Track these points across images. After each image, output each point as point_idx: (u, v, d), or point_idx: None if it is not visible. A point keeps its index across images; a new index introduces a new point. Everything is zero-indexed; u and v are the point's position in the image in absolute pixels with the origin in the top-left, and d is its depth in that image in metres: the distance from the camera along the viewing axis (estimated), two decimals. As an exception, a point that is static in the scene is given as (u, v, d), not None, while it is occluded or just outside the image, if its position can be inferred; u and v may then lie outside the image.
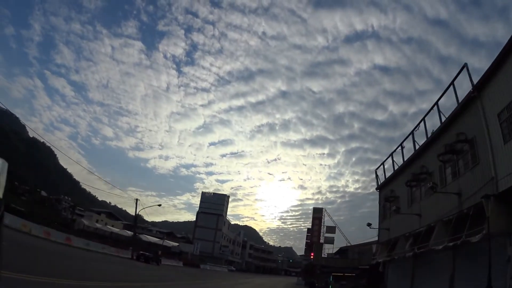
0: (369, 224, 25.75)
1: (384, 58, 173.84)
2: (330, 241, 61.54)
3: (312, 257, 51.91)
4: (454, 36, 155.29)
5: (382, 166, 27.92)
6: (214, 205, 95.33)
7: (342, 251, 48.04)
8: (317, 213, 70.59)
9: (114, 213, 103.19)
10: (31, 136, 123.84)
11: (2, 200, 1.13)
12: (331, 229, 64.94)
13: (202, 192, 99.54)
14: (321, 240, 63.36)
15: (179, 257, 62.12)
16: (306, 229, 76.24)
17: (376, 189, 28.28)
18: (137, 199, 38.91)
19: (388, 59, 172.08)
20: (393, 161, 25.36)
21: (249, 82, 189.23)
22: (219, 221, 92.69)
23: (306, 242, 72.48)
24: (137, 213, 39.71)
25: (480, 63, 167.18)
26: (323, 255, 57.78)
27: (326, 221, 68.26)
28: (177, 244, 71.49)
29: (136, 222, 45.22)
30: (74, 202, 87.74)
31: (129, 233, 56.06)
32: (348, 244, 56.68)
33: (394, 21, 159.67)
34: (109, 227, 70.55)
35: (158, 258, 40.30)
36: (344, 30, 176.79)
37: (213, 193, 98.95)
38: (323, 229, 65.67)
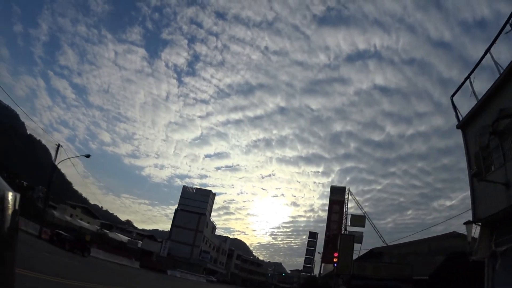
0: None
1: (385, 78, 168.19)
2: (357, 239, 38.55)
3: (335, 260, 31.33)
4: (457, 58, 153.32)
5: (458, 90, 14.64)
6: (196, 202, 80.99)
7: (374, 254, 30.63)
8: (337, 194, 48.02)
9: (92, 210, 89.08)
10: (29, 133, 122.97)
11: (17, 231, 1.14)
12: (359, 220, 43.62)
13: (184, 186, 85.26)
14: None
15: (139, 257, 47.39)
16: (296, 246, 60.16)
17: (458, 126, 14.70)
18: (59, 144, 26.04)
19: (389, 79, 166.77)
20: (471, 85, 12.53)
21: (248, 96, 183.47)
22: (200, 221, 78.07)
23: (325, 236, 48.79)
24: (57, 162, 26.42)
25: (481, 86, 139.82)
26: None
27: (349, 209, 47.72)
28: (139, 241, 56.59)
29: (52, 175, 31.34)
30: (48, 193, 73.85)
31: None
32: (384, 245, 38.71)
33: (397, 42, 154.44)
34: (79, 220, 56.85)
35: (86, 246, 26.25)
36: (347, 48, 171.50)
37: (196, 188, 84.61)
38: (345, 220, 45.23)
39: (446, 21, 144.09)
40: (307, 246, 77.29)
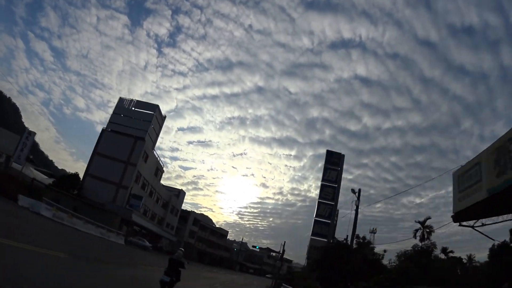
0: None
1: (367, 69, 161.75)
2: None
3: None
4: (440, 59, 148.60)
5: None
6: (136, 122, 49.15)
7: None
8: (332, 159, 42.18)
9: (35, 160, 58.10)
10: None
11: None
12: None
13: (120, 98, 52.54)
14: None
15: None
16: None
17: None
18: None
19: (371, 71, 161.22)
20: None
21: (227, 72, 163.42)
22: (135, 149, 46.35)
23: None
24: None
25: (463, 91, 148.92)
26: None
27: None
28: None
29: None
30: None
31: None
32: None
33: (383, 35, 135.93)
34: None
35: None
36: (331, 35, 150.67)
37: (137, 101, 52.22)
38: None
39: (434, 22, 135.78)
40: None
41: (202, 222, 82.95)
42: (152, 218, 55.41)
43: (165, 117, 56.82)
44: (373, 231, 70.77)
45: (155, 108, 51.73)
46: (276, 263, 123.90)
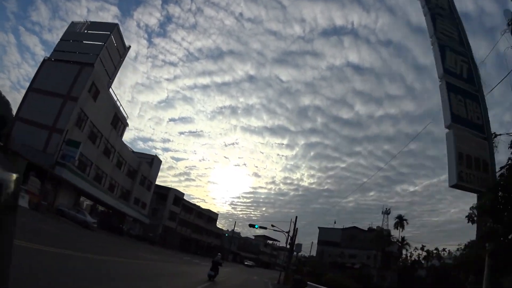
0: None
1: (359, 57, 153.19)
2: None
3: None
4: None
5: None
6: (87, 47, 33.78)
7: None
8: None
9: None
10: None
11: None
12: None
13: (72, 22, 36.95)
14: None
15: None
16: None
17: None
18: None
19: (363, 58, 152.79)
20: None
21: (217, 61, 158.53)
22: (80, 78, 30.62)
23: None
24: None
25: None
26: None
27: None
28: None
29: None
30: None
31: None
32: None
33: (376, 22, 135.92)
34: None
35: None
36: (323, 23, 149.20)
37: (92, 22, 36.40)
38: None
39: None
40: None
41: (185, 202, 67.75)
42: (111, 188, 39.99)
43: (129, 47, 40.95)
44: (386, 212, 57.75)
45: (113, 27, 35.89)
46: (274, 252, 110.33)
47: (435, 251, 49.99)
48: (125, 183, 44.66)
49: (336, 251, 53.39)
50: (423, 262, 49.99)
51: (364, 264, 52.27)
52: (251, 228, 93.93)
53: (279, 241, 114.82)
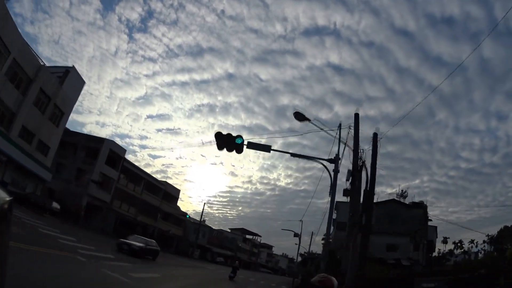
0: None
1: (340, 57, 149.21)
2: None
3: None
4: (417, 49, 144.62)
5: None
6: None
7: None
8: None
9: None
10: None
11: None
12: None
13: None
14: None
15: None
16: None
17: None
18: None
19: (344, 59, 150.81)
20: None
21: (197, 58, 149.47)
22: None
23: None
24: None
25: (439, 82, 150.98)
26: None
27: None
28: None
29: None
30: None
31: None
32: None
33: (359, 23, 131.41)
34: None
35: None
36: (305, 22, 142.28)
37: None
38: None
39: (412, 11, 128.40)
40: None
41: (129, 164, 44.78)
42: None
43: None
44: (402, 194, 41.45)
45: None
46: (255, 249, 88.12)
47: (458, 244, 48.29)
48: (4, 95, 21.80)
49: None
50: (450, 257, 43.23)
51: (412, 260, 31.93)
52: (226, 228, 71.89)
53: (260, 236, 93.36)
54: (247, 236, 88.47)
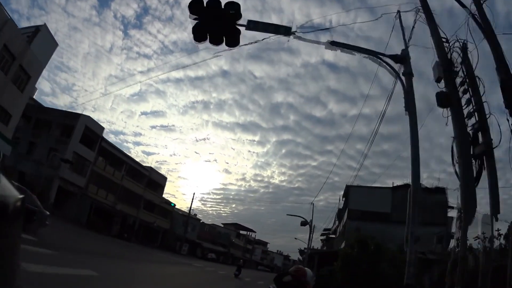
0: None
1: (335, 55, 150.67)
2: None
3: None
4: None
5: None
6: None
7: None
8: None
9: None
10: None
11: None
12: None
13: None
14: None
15: None
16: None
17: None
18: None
19: (339, 57, 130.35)
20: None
21: (192, 55, 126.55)
22: None
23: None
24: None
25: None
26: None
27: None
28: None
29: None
30: None
31: None
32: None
33: (355, 20, 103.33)
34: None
35: None
36: (300, 19, 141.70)
37: None
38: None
39: (411, 8, 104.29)
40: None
41: (107, 144, 39.40)
42: None
43: None
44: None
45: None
46: (249, 246, 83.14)
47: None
48: None
49: (384, 229, 27.86)
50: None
51: (435, 253, 27.04)
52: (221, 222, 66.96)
53: (255, 232, 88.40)
54: (241, 232, 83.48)
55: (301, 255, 59.00)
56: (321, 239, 59.79)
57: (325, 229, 54.58)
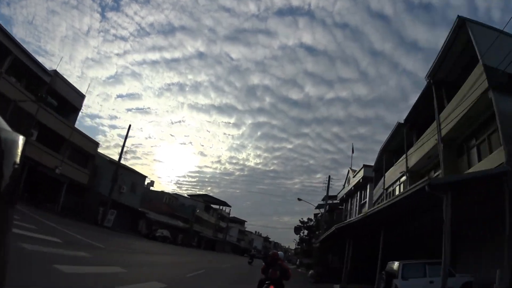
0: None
1: (313, 38, 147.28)
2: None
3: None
4: (393, 33, 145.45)
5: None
6: None
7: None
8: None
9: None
10: None
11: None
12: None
13: None
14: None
15: None
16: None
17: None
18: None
19: (317, 40, 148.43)
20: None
21: (168, 37, 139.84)
22: None
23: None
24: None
25: (414, 67, 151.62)
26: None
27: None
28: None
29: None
30: None
31: None
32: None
33: (334, 4, 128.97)
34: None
35: None
36: (279, 2, 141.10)
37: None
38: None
39: None
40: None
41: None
42: None
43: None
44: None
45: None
46: (222, 224, 62.88)
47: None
48: None
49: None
50: None
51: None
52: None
53: (229, 207, 69.20)
54: (214, 206, 64.10)
55: (296, 233, 42.01)
56: (314, 214, 44.09)
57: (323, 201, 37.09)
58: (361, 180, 29.40)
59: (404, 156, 17.84)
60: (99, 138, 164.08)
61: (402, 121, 18.87)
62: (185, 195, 60.32)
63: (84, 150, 29.73)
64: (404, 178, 17.95)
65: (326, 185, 32.39)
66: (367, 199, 28.70)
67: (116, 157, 35.20)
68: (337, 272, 17.67)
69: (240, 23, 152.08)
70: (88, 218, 27.98)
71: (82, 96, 30.05)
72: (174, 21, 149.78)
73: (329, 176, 27.29)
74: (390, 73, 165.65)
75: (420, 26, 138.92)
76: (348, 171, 35.31)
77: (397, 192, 18.29)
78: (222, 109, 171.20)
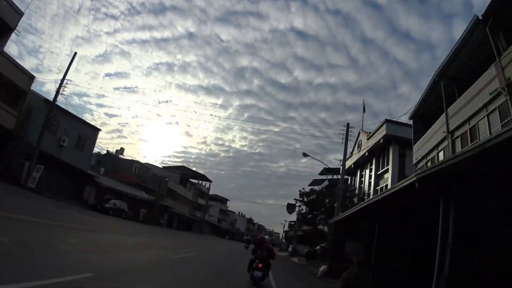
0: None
1: (305, 23, 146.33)
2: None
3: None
4: (385, 22, 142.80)
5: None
6: None
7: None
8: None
9: None
10: None
11: None
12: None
13: None
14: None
15: None
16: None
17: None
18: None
19: (308, 25, 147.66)
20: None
21: (159, 16, 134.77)
22: None
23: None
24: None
25: (405, 56, 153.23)
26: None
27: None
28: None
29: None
30: None
31: None
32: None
33: None
34: None
35: None
36: None
37: None
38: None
39: None
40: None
41: None
42: None
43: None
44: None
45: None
46: (201, 201, 55.68)
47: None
48: None
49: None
50: None
51: None
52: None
53: (210, 182, 61.67)
54: (192, 181, 56.27)
55: (289, 211, 34.92)
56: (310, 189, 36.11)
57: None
58: (381, 141, 22.13)
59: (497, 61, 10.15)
60: (86, 116, 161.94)
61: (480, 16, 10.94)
62: (159, 166, 52.35)
63: (13, 83, 21.11)
64: (502, 96, 10.11)
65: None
66: (390, 165, 21.48)
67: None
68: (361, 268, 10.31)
69: (232, 5, 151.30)
70: (10, 176, 19.97)
71: (20, 14, 21.45)
72: (165, 0, 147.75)
73: (348, 124, 19.77)
74: (380, 61, 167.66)
75: (414, 17, 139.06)
76: (359, 133, 27.93)
77: (484, 131, 10.69)
78: (209, 90, 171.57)
